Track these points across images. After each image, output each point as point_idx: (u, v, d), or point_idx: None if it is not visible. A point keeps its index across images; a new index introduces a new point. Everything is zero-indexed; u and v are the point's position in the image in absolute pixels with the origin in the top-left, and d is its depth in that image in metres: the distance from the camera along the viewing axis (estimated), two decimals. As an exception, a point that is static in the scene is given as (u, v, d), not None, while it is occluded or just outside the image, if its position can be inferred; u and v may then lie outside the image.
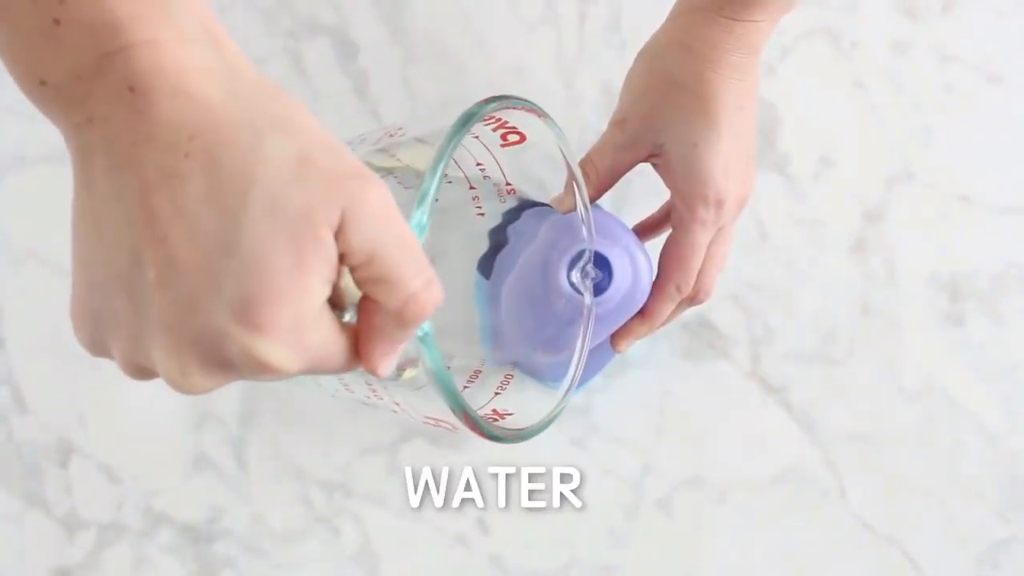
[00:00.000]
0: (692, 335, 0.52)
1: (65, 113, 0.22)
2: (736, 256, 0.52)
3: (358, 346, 0.24)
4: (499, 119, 0.35)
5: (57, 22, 0.21)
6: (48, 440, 0.53)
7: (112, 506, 0.52)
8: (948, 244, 0.53)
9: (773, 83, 0.53)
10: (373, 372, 0.25)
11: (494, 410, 0.36)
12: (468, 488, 0.52)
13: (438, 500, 0.52)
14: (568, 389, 0.39)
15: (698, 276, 0.42)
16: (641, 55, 0.41)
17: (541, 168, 0.51)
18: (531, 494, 0.52)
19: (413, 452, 0.52)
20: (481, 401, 0.37)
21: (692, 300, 0.43)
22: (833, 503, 0.51)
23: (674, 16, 0.40)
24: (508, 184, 0.42)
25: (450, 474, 0.52)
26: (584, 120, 0.53)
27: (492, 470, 0.52)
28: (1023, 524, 0.51)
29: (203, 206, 0.21)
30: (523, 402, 0.39)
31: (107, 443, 0.53)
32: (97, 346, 0.25)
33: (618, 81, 0.42)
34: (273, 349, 0.22)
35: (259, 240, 0.21)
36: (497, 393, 0.40)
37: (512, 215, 0.44)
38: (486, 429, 0.32)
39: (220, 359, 0.22)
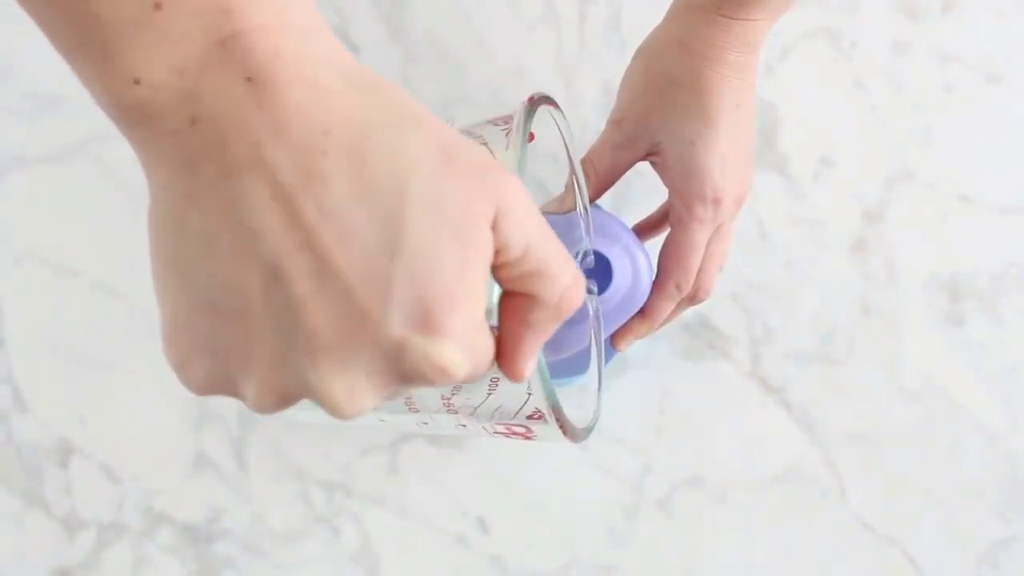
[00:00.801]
0: (692, 335, 0.52)
1: (160, 117, 0.19)
2: (736, 256, 0.52)
3: (500, 348, 0.23)
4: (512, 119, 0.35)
5: (158, 7, 0.18)
6: (48, 440, 0.53)
7: (112, 506, 0.53)
8: (948, 244, 0.53)
9: (773, 83, 0.53)
10: (518, 375, 0.23)
11: (537, 409, 0.36)
12: (468, 488, 0.52)
13: (439, 500, 0.52)
14: (600, 387, 0.39)
15: (698, 275, 0.42)
16: (639, 54, 0.41)
17: (541, 167, 0.51)
18: (531, 494, 0.52)
19: (413, 452, 0.52)
20: (517, 404, 0.37)
21: (692, 299, 0.43)
22: (833, 503, 0.51)
23: (672, 15, 0.40)
24: None
25: (450, 474, 0.52)
26: (584, 120, 0.54)
27: (492, 470, 0.52)
28: (1023, 524, 0.51)
29: (355, 207, 0.19)
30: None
31: (107, 443, 0.53)
32: (218, 383, 0.21)
33: (618, 81, 0.42)
34: (454, 354, 0.20)
35: (425, 240, 0.19)
36: (530, 394, 0.40)
37: None
38: (573, 429, 0.32)
39: (396, 372, 0.20)
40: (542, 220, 0.22)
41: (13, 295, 0.54)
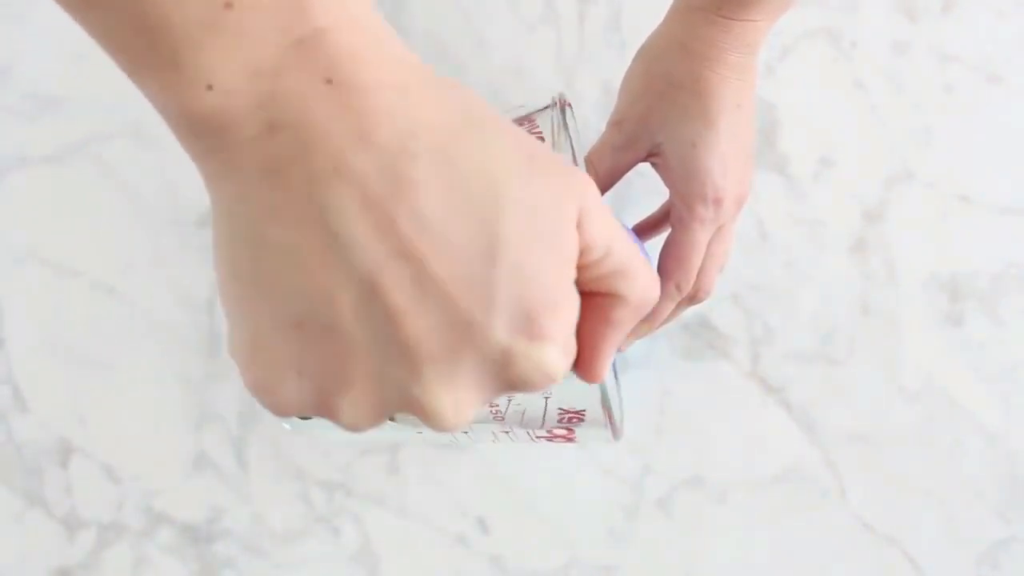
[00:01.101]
0: (692, 335, 0.52)
1: (234, 125, 0.18)
2: (736, 256, 0.52)
3: (581, 350, 0.22)
4: (533, 120, 0.35)
5: (228, 6, 0.17)
6: (48, 440, 0.53)
7: (112, 506, 0.53)
8: (948, 244, 0.53)
9: (773, 83, 0.53)
10: (597, 376, 0.23)
11: (561, 408, 0.35)
12: (468, 488, 0.52)
13: (439, 499, 0.52)
14: (618, 382, 0.40)
15: (698, 275, 0.42)
16: (639, 55, 0.41)
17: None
18: (531, 494, 0.52)
19: (413, 452, 0.52)
20: (539, 405, 0.37)
21: (692, 299, 0.43)
22: (833, 503, 0.51)
23: (672, 16, 0.40)
24: None
25: (450, 474, 0.52)
26: (584, 120, 0.54)
27: (492, 470, 0.52)
28: (1023, 524, 0.51)
29: (449, 213, 0.18)
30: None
31: (107, 443, 0.53)
32: (308, 403, 0.20)
33: (618, 81, 0.42)
34: (559, 358, 0.20)
35: (522, 243, 0.19)
36: (547, 397, 0.40)
37: None
38: (620, 428, 0.33)
39: (502, 379, 0.20)
40: (616, 219, 0.22)
41: (13, 295, 0.54)
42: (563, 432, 0.34)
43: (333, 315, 0.19)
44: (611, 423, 0.32)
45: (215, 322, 0.53)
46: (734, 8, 0.37)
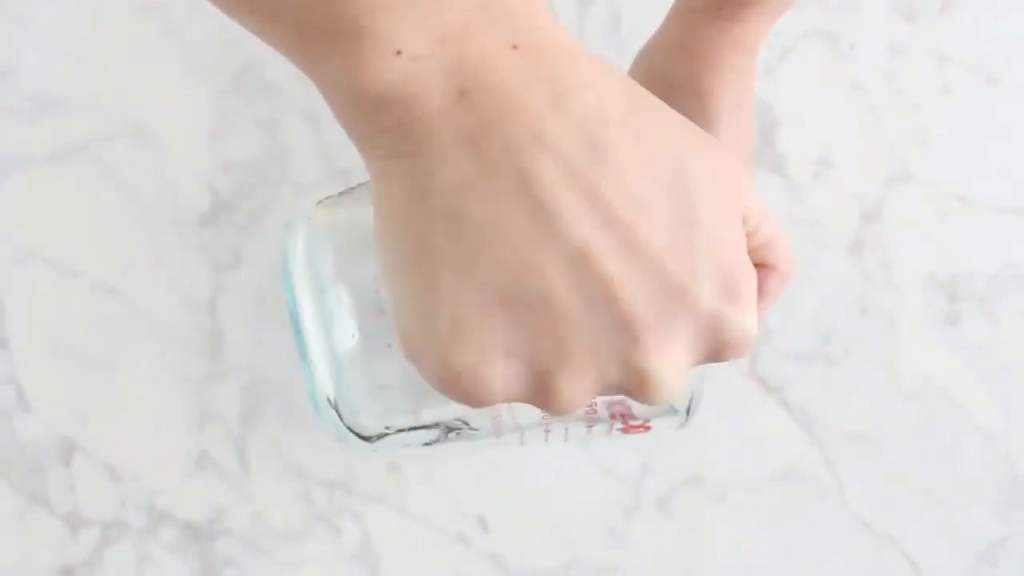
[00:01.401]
0: (691, 335, 0.52)
1: (422, 93, 0.17)
2: (735, 256, 0.52)
3: None
4: None
5: None
6: (50, 439, 0.53)
7: (115, 504, 0.53)
8: (947, 244, 0.53)
9: (771, 84, 0.54)
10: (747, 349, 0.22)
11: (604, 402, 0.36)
12: (469, 487, 0.52)
13: (439, 499, 0.52)
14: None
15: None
16: (639, 57, 0.41)
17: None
18: (531, 494, 0.52)
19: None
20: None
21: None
22: (832, 502, 0.52)
23: (671, 17, 0.40)
24: None
25: (451, 473, 0.52)
26: (584, 121, 0.54)
27: (492, 469, 0.52)
28: (1022, 524, 0.51)
29: (645, 178, 0.18)
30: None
31: (109, 442, 0.53)
32: (517, 386, 0.19)
33: (618, 82, 0.43)
34: (756, 322, 0.20)
35: (712, 208, 0.19)
36: None
37: None
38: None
39: (711, 345, 0.20)
40: None
41: (15, 295, 0.54)
42: (638, 424, 0.34)
43: (544, 288, 0.18)
44: (691, 408, 0.32)
45: (216, 322, 0.53)
46: (734, 9, 0.37)
